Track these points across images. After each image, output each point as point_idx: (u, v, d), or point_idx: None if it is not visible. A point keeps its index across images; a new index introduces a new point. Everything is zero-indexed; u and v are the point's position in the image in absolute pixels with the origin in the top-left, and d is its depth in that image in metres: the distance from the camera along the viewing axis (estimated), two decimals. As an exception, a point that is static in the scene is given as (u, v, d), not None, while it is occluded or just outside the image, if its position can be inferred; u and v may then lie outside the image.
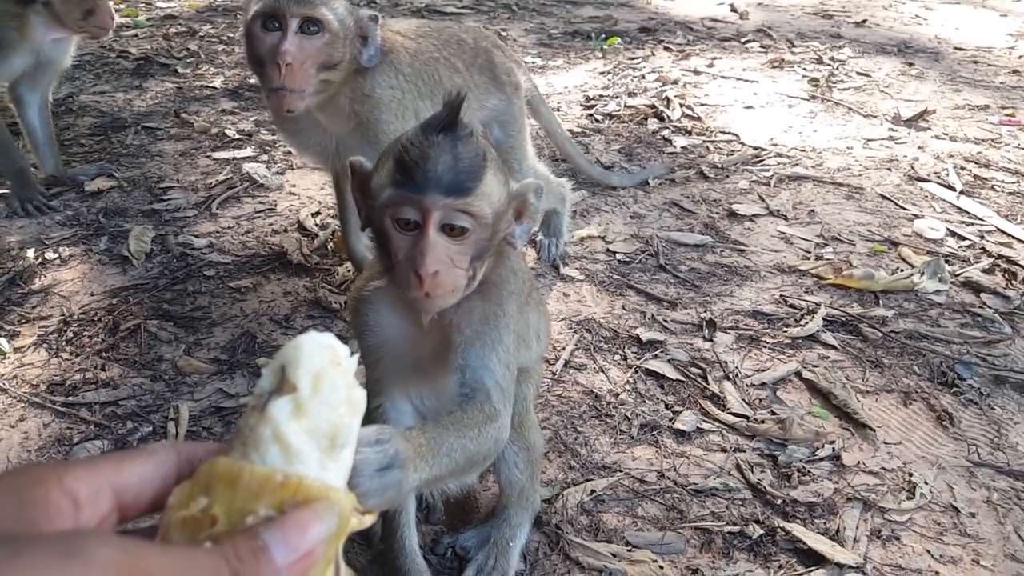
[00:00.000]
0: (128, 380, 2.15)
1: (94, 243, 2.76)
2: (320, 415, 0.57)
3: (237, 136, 3.63)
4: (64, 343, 2.27)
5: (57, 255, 2.68)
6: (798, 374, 2.21)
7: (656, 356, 2.27)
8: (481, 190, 1.27)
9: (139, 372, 2.18)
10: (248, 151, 3.50)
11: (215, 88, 4.16)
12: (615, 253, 2.82)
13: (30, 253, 2.66)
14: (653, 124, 4.00)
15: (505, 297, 1.45)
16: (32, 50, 2.80)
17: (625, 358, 2.26)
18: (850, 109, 4.30)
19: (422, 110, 2.15)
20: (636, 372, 2.21)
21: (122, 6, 5.34)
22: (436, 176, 1.23)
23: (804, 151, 3.74)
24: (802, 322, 2.42)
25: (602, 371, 2.21)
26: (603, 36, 5.39)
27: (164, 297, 2.50)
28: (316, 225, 2.95)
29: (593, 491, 1.81)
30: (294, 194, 3.19)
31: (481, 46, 2.45)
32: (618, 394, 2.12)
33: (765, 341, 2.34)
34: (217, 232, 2.88)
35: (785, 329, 2.39)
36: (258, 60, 1.99)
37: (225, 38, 5.02)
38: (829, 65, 5.07)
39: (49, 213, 2.91)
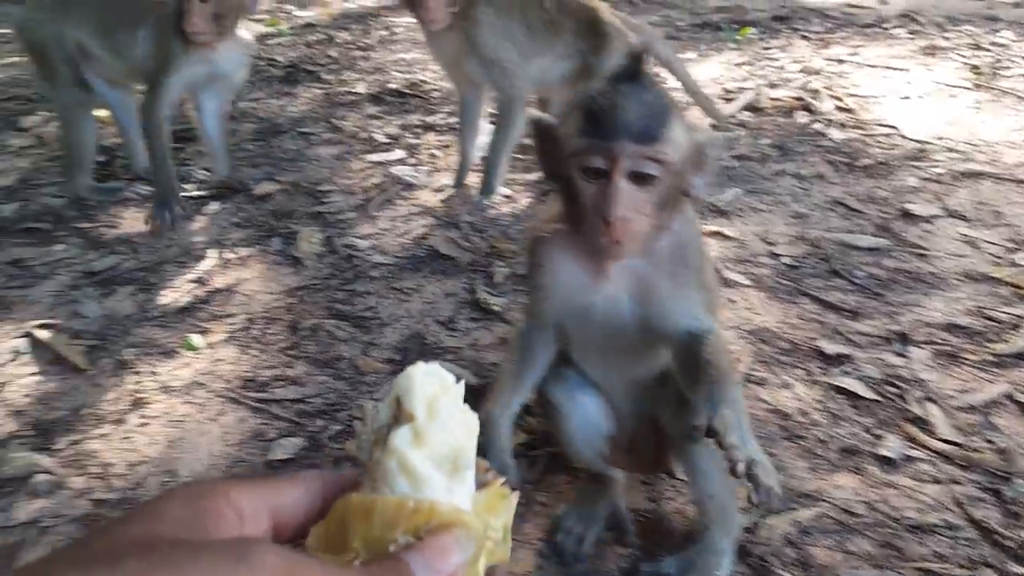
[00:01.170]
0: (313, 378, 2.24)
1: (267, 244, 2.91)
2: (439, 441, 0.58)
3: (385, 140, 3.74)
4: (251, 340, 2.40)
5: (235, 255, 2.83)
6: (1010, 397, 2.03)
7: (845, 372, 2.14)
8: (668, 136, 1.29)
9: (321, 370, 2.27)
10: (397, 154, 3.59)
11: (359, 93, 4.30)
12: (780, 256, 2.70)
13: (212, 253, 2.83)
14: (802, 117, 3.82)
15: (693, 248, 1.46)
16: (201, 61, 2.94)
17: (809, 373, 2.15)
18: (1021, 98, 3.96)
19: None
20: (825, 389, 2.09)
21: (265, 16, 5.62)
22: (624, 124, 1.26)
23: (975, 145, 3.47)
24: (1006, 337, 2.23)
25: (786, 387, 2.11)
26: (734, 26, 5.20)
27: (336, 297, 2.60)
28: (467, 223, 2.99)
29: (798, 522, 1.72)
30: (441, 191, 3.25)
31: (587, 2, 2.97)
32: (807, 413, 2.02)
33: (966, 358, 2.16)
34: (376, 233, 2.97)
35: (987, 345, 2.21)
36: None
37: (361, 44, 5.19)
38: (989, 51, 4.68)
39: (179, 227, 3.01)
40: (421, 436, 0.58)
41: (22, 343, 2.39)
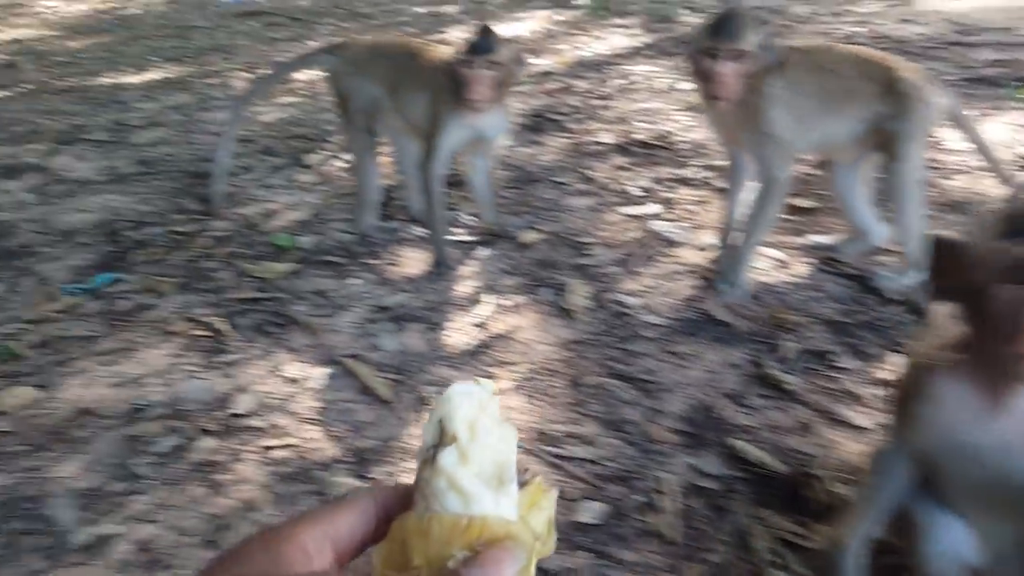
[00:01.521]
0: (602, 439, 2.26)
1: (537, 293, 3.00)
2: (483, 457, 0.62)
3: (639, 193, 3.76)
4: (536, 391, 2.47)
5: (510, 302, 2.95)
6: None
7: None
8: None
9: (610, 432, 2.28)
10: (652, 208, 3.60)
11: (604, 143, 4.39)
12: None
13: (488, 299, 2.98)
14: (1117, 194, 3.36)
15: None
16: (471, 125, 3.08)
17: None
18: None
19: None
20: None
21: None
22: None
23: None
24: None
25: None
26: (1015, 83, 4.73)
27: (612, 355, 2.62)
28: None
29: None
30: (705, 250, 3.19)
31: (883, 62, 2.89)
32: None
33: None
34: (642, 291, 2.97)
35: None
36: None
37: (600, 93, 5.31)
38: None
39: (449, 280, 3.14)
40: (465, 455, 0.62)
41: (333, 371, 2.62)
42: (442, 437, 0.64)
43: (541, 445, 2.24)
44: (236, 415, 2.41)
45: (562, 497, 2.06)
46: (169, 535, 2.02)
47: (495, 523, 0.61)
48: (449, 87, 2.99)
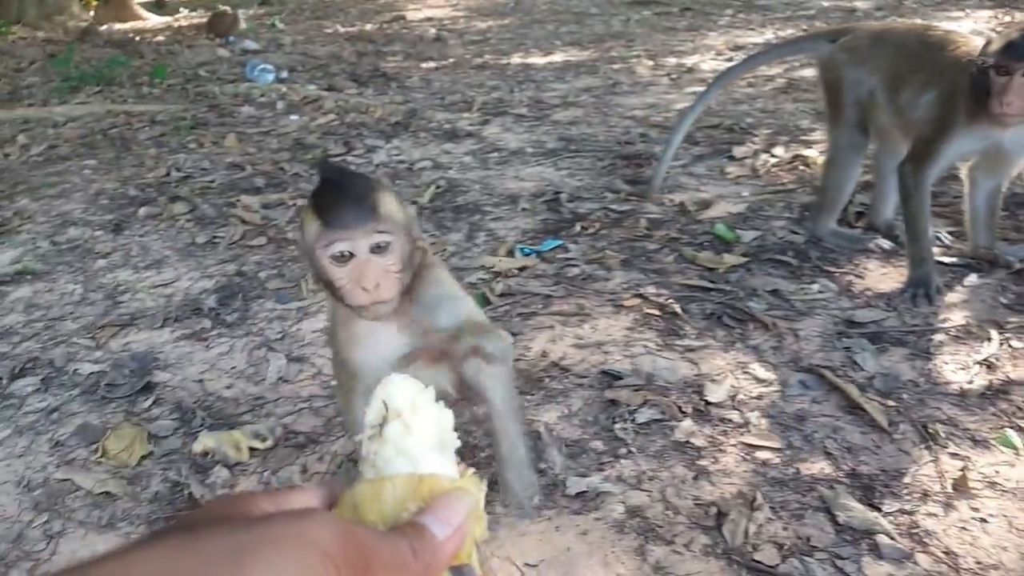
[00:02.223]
0: None
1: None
2: (425, 429, 0.68)
3: None
4: (1087, 462, 2.00)
5: (1020, 343, 2.48)
6: None
7: None
8: None
9: None
10: None
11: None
12: None
13: (992, 334, 2.53)
14: None
15: None
16: (984, 138, 2.61)
17: None
18: None
19: None
20: None
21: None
22: None
23: None
24: None
25: None
26: None
27: None
28: None
29: None
30: None
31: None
32: None
33: None
34: None
35: None
36: None
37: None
38: None
39: (934, 306, 2.72)
40: (409, 428, 0.67)
41: (805, 379, 2.42)
42: (387, 416, 0.68)
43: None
44: (710, 403, 2.33)
45: None
46: (658, 507, 1.98)
47: (444, 479, 0.65)
48: (970, 90, 2.57)
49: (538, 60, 7.42)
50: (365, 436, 0.69)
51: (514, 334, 2.77)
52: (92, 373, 2.66)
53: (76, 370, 2.68)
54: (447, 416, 0.71)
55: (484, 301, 2.95)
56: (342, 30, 10.18)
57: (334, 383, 2.26)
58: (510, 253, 3.38)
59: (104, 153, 5.12)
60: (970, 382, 2.32)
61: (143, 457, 2.22)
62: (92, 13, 12.47)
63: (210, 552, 0.44)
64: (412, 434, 0.67)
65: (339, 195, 1.45)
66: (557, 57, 7.51)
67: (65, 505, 2.07)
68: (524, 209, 3.87)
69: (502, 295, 3.04)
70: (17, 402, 2.55)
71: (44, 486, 2.15)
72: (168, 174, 4.59)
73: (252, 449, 2.21)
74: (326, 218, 1.44)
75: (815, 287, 2.89)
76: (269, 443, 2.22)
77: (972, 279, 2.84)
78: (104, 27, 11.09)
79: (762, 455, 2.13)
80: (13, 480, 2.18)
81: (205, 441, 2.17)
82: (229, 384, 2.57)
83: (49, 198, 4.36)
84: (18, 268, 3.49)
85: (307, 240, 1.48)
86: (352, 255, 1.45)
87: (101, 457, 2.21)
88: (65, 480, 2.15)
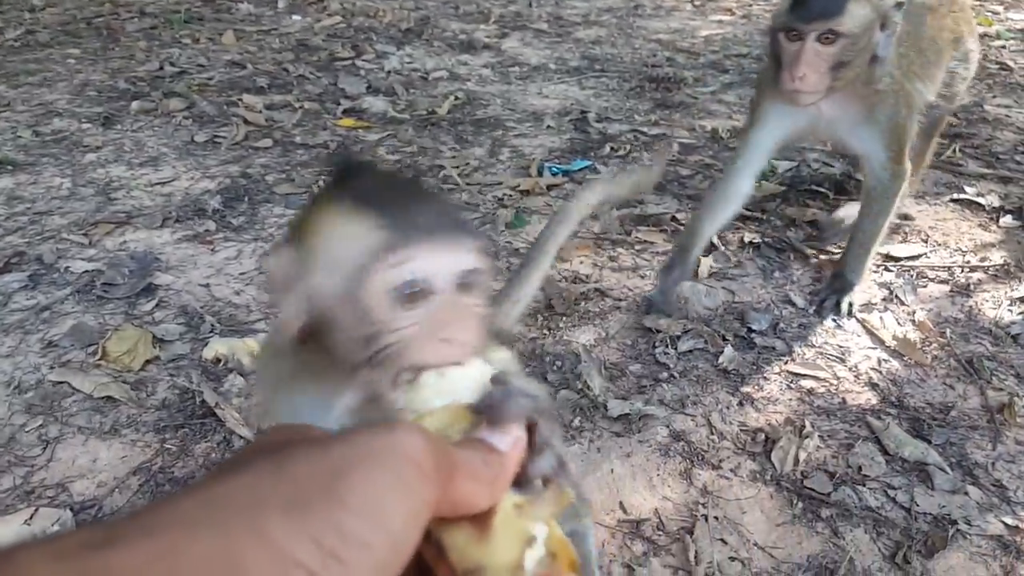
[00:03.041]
0: None
1: None
2: (464, 375, 0.69)
3: None
4: None
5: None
6: None
7: None
8: None
9: None
10: None
11: None
12: None
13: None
14: None
15: None
16: (794, 116, 2.10)
17: None
18: None
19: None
20: None
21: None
22: None
23: None
24: None
25: None
26: None
27: None
28: None
29: None
30: None
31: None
32: None
33: None
34: None
35: None
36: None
37: None
38: None
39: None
40: (445, 374, 0.69)
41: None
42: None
43: None
44: (752, 330, 2.19)
45: None
46: (703, 431, 1.85)
47: None
48: (771, 62, 2.03)
49: (555, -24, 6.99)
50: (399, 392, 0.69)
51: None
52: (86, 271, 2.43)
53: (68, 267, 2.45)
54: (486, 369, 0.70)
55: (521, 220, 2.74)
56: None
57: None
58: (538, 172, 3.16)
59: (89, 43, 4.72)
60: (1011, 321, 2.20)
61: (147, 361, 2.02)
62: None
63: (303, 475, 0.41)
64: (448, 379, 0.68)
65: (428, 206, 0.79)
66: (575, -26, 7.09)
67: (62, 408, 1.88)
68: (549, 127, 3.63)
69: (533, 212, 2.84)
70: (2, 299, 2.32)
71: (37, 388, 1.94)
72: (162, 68, 4.24)
73: (268, 360, 2.03)
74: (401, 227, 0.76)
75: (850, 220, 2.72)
76: (287, 354, 2.03)
77: (1007, 220, 2.70)
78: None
79: (807, 384, 2.01)
80: (2, 381, 1.98)
81: (217, 347, 1.98)
82: (238, 290, 2.36)
83: (29, 86, 4.00)
84: (-3, 157, 3.20)
85: (344, 257, 0.77)
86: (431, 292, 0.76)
87: (101, 359, 2.01)
88: (61, 383, 1.95)
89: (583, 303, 2.33)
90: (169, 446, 1.77)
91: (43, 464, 1.73)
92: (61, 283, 2.39)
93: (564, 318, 2.26)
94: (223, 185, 2.98)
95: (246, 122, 3.52)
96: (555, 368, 2.06)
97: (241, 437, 1.79)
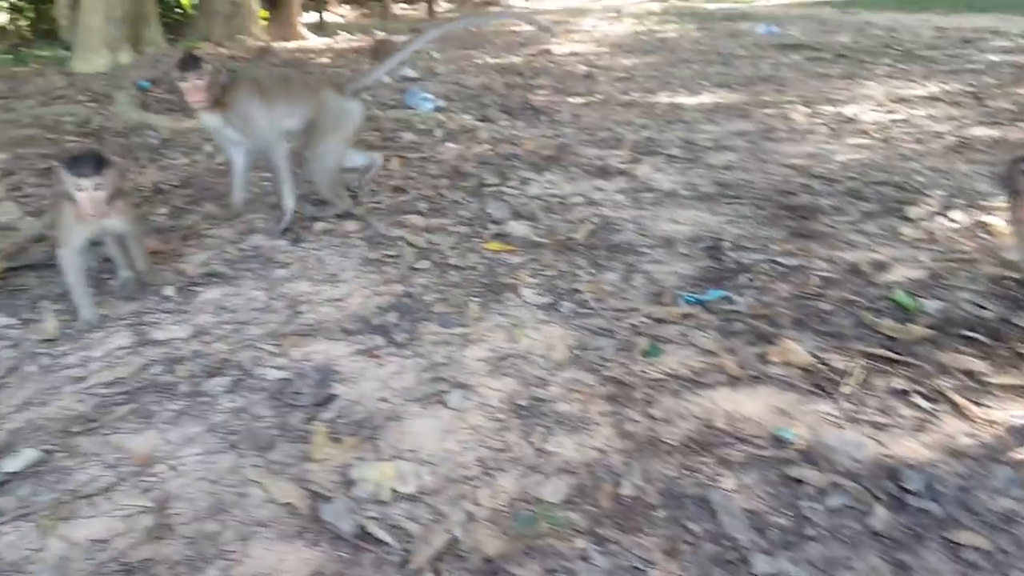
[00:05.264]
0: None
1: None
2: None
3: None
4: None
5: None
6: None
7: None
8: None
9: None
10: None
11: None
12: None
13: None
14: None
15: None
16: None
17: None
18: None
19: None
20: None
21: None
22: None
23: None
24: None
25: None
26: None
27: None
28: None
29: None
30: None
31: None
32: None
33: None
34: None
35: None
36: None
37: None
38: None
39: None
40: None
41: (1008, 475, 2.23)
42: None
43: None
44: (906, 490, 2.19)
45: None
46: None
47: None
48: None
49: (686, 100, 7.36)
50: None
51: (678, 391, 2.72)
52: (278, 379, 2.83)
53: (263, 375, 2.87)
54: None
55: (656, 350, 2.93)
56: (491, 61, 10.52)
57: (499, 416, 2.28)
58: (669, 301, 3.34)
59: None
60: None
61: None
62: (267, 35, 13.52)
63: None
64: None
65: None
66: (705, 98, 7.43)
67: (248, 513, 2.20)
68: (682, 254, 3.82)
69: (667, 342, 3.00)
70: (210, 399, 2.75)
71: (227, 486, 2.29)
72: (337, 192, 4.86)
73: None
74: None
75: (1013, 372, 2.67)
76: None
77: None
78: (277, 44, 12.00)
79: (968, 555, 1.97)
80: (199, 476, 2.34)
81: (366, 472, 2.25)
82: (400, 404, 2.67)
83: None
84: (207, 270, 3.80)
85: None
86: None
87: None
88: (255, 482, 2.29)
89: (717, 446, 2.43)
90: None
91: (240, 559, 2.02)
92: (257, 388, 2.80)
93: (700, 459, 2.36)
94: (390, 303, 3.38)
95: (408, 244, 3.98)
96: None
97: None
